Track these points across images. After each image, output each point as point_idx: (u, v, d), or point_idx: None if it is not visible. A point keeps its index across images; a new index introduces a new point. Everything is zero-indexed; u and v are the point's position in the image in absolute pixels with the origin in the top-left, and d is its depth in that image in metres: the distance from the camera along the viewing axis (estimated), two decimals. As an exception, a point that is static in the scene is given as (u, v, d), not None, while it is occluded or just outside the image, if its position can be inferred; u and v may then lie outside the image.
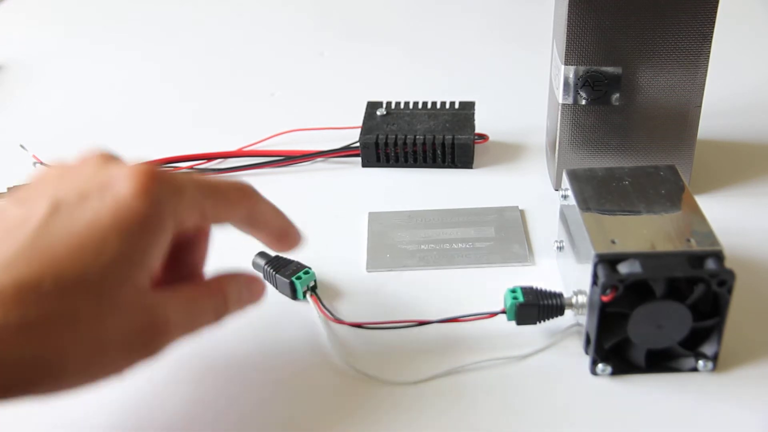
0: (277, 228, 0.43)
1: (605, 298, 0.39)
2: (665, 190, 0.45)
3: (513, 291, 0.43)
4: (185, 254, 0.42)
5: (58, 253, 0.32)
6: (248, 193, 0.41)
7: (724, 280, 0.39)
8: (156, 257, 0.36)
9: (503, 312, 0.43)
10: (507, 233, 0.53)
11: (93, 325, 0.33)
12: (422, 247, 0.52)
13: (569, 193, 0.45)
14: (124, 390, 0.42)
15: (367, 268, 0.51)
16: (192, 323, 0.39)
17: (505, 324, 0.43)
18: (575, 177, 0.46)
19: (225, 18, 0.89)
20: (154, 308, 0.36)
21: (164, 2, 0.93)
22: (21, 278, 0.32)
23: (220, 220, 0.40)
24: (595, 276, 0.40)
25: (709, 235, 0.41)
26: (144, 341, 0.36)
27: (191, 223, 0.38)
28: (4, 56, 0.81)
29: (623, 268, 0.39)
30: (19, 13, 0.93)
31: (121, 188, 0.35)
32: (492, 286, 0.49)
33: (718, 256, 0.40)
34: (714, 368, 0.41)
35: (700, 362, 0.41)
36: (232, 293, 0.42)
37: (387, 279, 0.50)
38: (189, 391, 0.42)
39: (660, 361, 0.42)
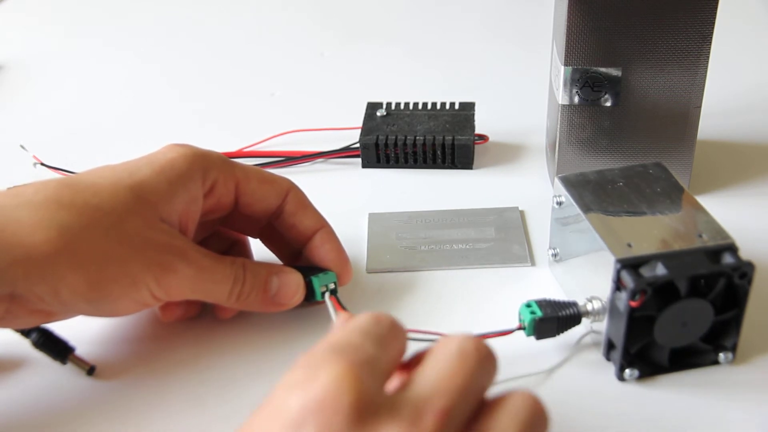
0: (317, 223, 0.46)
1: (634, 304, 0.38)
2: (660, 188, 0.45)
3: (528, 305, 0.42)
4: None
5: None
6: (283, 180, 0.46)
7: (745, 272, 0.39)
8: (181, 200, 0.41)
9: (520, 328, 0.42)
10: (507, 234, 0.53)
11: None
12: (422, 247, 0.52)
13: (565, 199, 0.45)
14: (132, 386, 0.42)
15: (367, 269, 0.51)
16: (203, 281, 0.41)
17: (515, 338, 0.42)
18: (570, 183, 0.45)
19: (225, 18, 0.89)
20: (169, 242, 0.40)
21: (164, 2, 0.93)
22: None
23: (255, 197, 0.44)
24: (617, 282, 0.39)
25: (719, 230, 0.41)
26: (152, 266, 0.39)
27: (224, 187, 0.43)
28: (4, 56, 0.81)
29: (646, 271, 0.39)
30: (19, 13, 0.93)
31: None
32: (492, 287, 0.49)
33: (732, 248, 0.40)
34: (733, 359, 0.42)
35: (721, 355, 0.42)
36: (258, 272, 0.43)
37: (387, 280, 0.50)
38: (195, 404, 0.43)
39: (682, 359, 0.42)
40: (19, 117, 0.72)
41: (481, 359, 0.31)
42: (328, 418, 0.27)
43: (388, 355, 0.31)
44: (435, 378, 0.30)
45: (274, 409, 0.29)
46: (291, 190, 0.46)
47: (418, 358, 0.32)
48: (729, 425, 0.40)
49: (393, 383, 0.32)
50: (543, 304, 0.42)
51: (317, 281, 0.44)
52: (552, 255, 0.48)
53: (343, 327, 0.32)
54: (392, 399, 0.29)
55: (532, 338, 0.42)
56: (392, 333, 0.32)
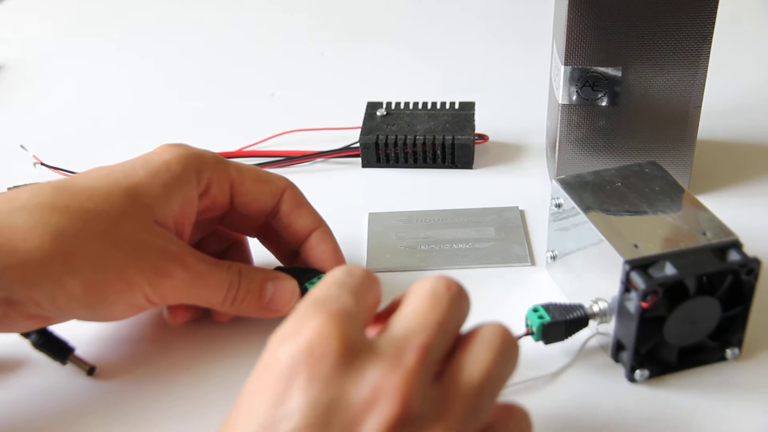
0: (313, 223, 0.46)
1: (646, 305, 0.38)
2: (658, 186, 0.45)
3: (535, 310, 0.42)
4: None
5: None
6: (279, 179, 0.46)
7: (752, 268, 0.40)
8: (176, 202, 0.41)
9: (528, 334, 0.41)
10: (507, 234, 0.53)
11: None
12: (422, 247, 0.52)
13: (564, 201, 0.45)
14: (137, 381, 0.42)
15: (367, 269, 0.50)
16: (198, 287, 0.41)
17: (519, 343, 0.42)
18: (568, 185, 0.45)
19: (225, 18, 0.89)
20: (164, 245, 0.40)
21: (164, 2, 0.93)
22: None
23: (250, 196, 0.44)
24: (626, 283, 0.39)
25: (722, 226, 0.41)
26: (146, 269, 0.39)
27: (218, 187, 0.43)
28: (4, 56, 0.81)
29: (655, 272, 0.39)
30: (19, 13, 0.93)
31: None
32: (492, 286, 0.49)
33: (737, 245, 0.40)
34: (739, 354, 0.42)
35: (728, 351, 0.42)
36: (253, 278, 0.43)
37: (387, 280, 0.49)
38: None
39: (689, 356, 0.42)
40: (19, 117, 0.72)
41: (453, 297, 0.33)
42: (317, 363, 0.29)
43: (364, 303, 0.33)
44: (412, 318, 0.32)
45: (267, 364, 0.31)
46: (287, 189, 0.46)
47: (394, 306, 0.34)
48: (740, 421, 0.40)
49: (374, 330, 0.33)
50: (550, 308, 0.42)
51: (311, 288, 0.44)
52: (550, 257, 0.48)
53: (319, 283, 0.34)
54: (373, 341, 0.31)
55: (537, 342, 0.42)
56: (365, 282, 0.34)
